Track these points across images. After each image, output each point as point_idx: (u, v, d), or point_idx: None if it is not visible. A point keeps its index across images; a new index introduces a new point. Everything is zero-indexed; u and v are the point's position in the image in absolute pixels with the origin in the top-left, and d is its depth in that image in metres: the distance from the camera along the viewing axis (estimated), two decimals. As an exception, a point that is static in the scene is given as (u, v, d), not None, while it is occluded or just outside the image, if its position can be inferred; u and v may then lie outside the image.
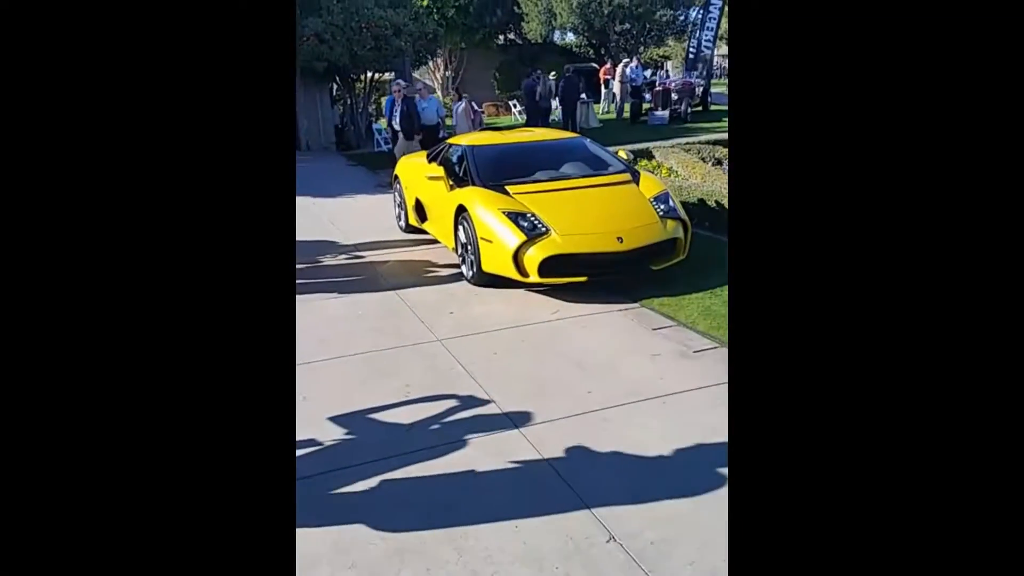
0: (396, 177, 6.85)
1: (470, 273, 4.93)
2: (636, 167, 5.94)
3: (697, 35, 19.24)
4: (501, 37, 26.13)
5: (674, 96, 15.78)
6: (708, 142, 9.50)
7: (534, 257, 4.47)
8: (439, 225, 5.69)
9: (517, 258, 4.51)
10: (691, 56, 19.45)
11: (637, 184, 5.21)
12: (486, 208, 4.76)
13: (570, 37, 27.10)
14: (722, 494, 2.37)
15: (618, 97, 17.11)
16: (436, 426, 3.00)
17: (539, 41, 24.18)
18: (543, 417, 3.00)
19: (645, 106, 16.40)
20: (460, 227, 5.05)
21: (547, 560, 2.11)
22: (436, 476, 2.60)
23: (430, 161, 6.20)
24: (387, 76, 15.43)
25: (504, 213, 4.66)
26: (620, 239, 4.54)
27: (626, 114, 16.34)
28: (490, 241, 4.64)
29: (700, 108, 17.10)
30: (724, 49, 44.40)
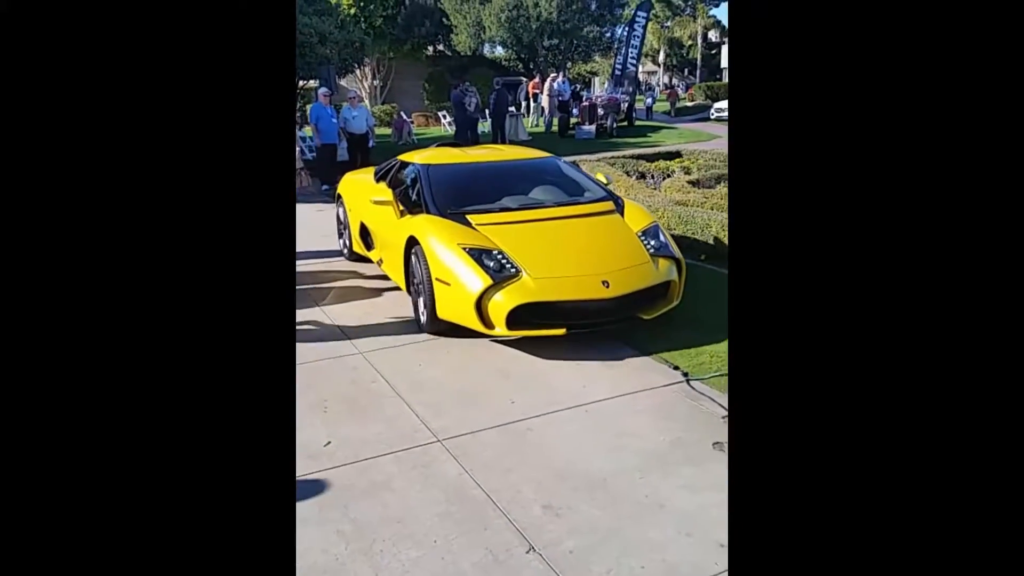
0: (339, 197, 5.98)
1: (423, 319, 4.04)
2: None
3: (623, 52, 19.80)
4: (430, 48, 26.10)
5: (600, 111, 16.15)
6: (632, 156, 9.76)
7: (502, 305, 3.60)
8: (388, 257, 4.75)
9: (480, 306, 3.63)
10: (617, 72, 19.98)
11: (622, 214, 4.39)
12: (443, 242, 3.86)
13: (499, 50, 27.36)
14: (642, 500, 2.40)
15: (546, 111, 17.36)
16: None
17: (468, 53, 24.29)
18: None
19: (572, 120, 16.70)
20: (411, 262, 4.16)
21: (467, 574, 2.07)
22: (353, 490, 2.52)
23: (378, 180, 5.28)
24: (311, 84, 15.14)
25: (465, 250, 3.77)
26: (606, 283, 3.68)
27: (554, 128, 16.60)
28: (447, 283, 3.75)
29: (626, 123, 17.56)
30: (649, 66, 45.71)
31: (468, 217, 4.13)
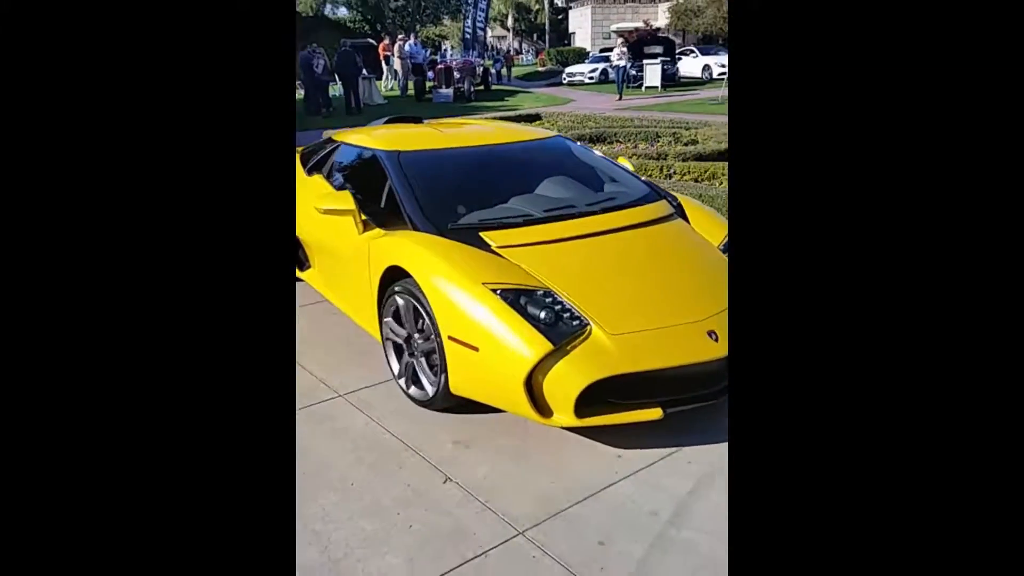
0: None
1: (422, 390, 2.69)
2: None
3: (471, 15, 19.74)
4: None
5: (456, 75, 16.09)
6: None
7: (568, 381, 2.23)
8: (344, 290, 3.35)
9: (532, 383, 2.27)
10: (468, 36, 19.91)
11: (686, 219, 3.07)
12: (458, 281, 2.44)
13: (343, 12, 26.21)
14: (548, 430, 2.57)
15: (400, 74, 17.01)
16: None
17: (310, 14, 23.07)
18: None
19: (428, 84, 16.51)
20: (391, 305, 2.76)
21: (389, 509, 2.14)
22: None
23: (310, 172, 3.84)
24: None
25: (496, 293, 2.37)
26: (713, 335, 2.36)
27: (410, 91, 16.33)
28: (472, 347, 2.37)
29: (483, 87, 17.63)
30: (499, 30, 45.67)
31: (482, 235, 2.68)
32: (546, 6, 39.73)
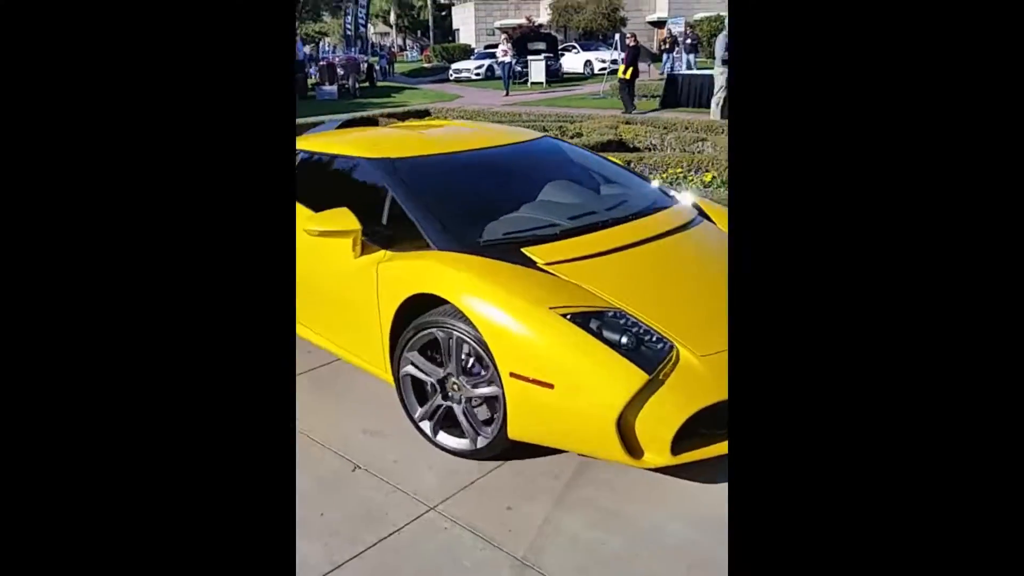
0: None
1: (461, 439, 2.32)
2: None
3: (352, 11, 19.37)
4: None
5: (340, 71, 15.78)
6: (382, 115, 9.82)
7: (667, 414, 1.94)
8: (331, 323, 2.81)
9: (622, 420, 1.94)
10: (349, 33, 19.52)
11: (712, 222, 2.89)
12: (518, 309, 2.08)
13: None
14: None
15: (281, 72, 16.44)
16: None
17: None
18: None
19: (311, 81, 16.08)
20: (423, 339, 2.32)
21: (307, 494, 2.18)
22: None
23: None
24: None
25: (567, 317, 2.04)
26: None
27: (292, 90, 15.83)
28: (547, 384, 2.01)
29: (367, 84, 17.38)
30: (381, 27, 44.91)
31: (524, 251, 2.33)
32: (429, 3, 39.55)
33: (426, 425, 2.41)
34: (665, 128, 7.89)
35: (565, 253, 2.36)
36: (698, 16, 25.01)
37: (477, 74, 23.14)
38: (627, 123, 8.47)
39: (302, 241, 2.50)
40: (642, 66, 13.88)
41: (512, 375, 2.06)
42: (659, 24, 27.11)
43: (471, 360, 2.25)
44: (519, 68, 19.80)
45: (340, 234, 2.50)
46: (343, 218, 2.50)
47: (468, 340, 2.17)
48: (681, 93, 12.84)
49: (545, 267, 2.29)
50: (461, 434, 2.32)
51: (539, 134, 3.50)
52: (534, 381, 2.03)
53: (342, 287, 2.65)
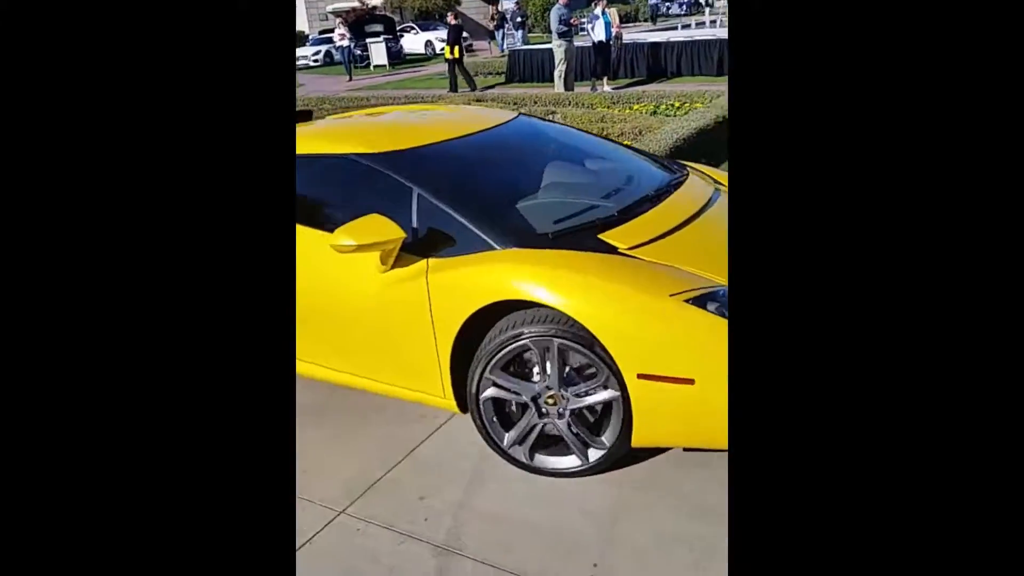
0: None
1: (564, 456, 2.10)
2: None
3: None
4: None
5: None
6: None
7: None
8: (366, 356, 2.37)
9: None
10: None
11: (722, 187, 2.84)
12: (637, 302, 1.89)
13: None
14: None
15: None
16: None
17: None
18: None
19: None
20: (508, 354, 2.05)
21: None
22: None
23: None
24: None
25: (690, 302, 1.88)
26: None
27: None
28: (687, 380, 1.83)
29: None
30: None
31: (601, 238, 2.12)
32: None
33: (518, 451, 2.13)
34: (515, 103, 8.02)
35: (640, 235, 2.15)
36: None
37: (315, 61, 22.18)
38: (478, 100, 8.52)
39: (309, 268, 2.23)
40: (482, 44, 13.94)
41: (641, 376, 1.86)
42: (493, 1, 27.32)
43: (570, 368, 2.03)
44: (359, 52, 19.20)
45: (379, 246, 2.09)
46: (381, 226, 2.10)
47: (575, 346, 1.93)
48: (523, 68, 13.08)
49: (627, 252, 2.08)
50: (563, 451, 2.10)
51: (512, 114, 3.09)
52: (669, 379, 1.83)
53: (367, 308, 2.26)
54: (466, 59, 12.81)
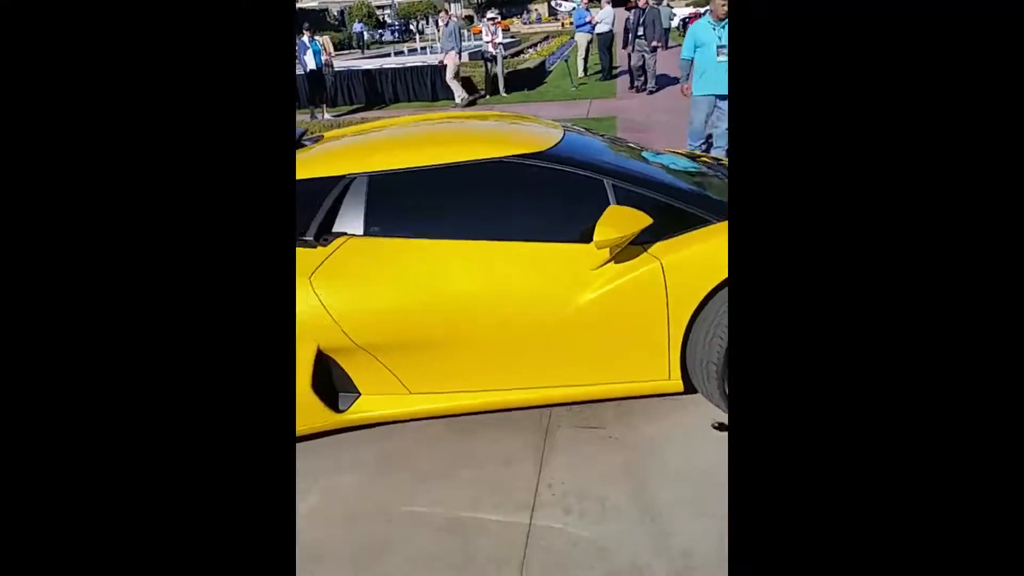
0: None
1: None
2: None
3: None
4: None
5: None
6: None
7: None
8: (594, 356, 2.20)
9: None
10: None
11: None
12: None
13: None
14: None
15: None
16: None
17: None
18: None
19: None
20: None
21: None
22: None
23: (322, 236, 2.25)
24: None
25: None
26: None
27: None
28: None
29: None
30: None
31: None
32: None
33: None
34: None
35: None
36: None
37: None
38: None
39: (442, 286, 2.11)
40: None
41: None
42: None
43: None
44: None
45: (632, 236, 2.04)
46: (629, 216, 2.05)
47: None
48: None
49: None
50: None
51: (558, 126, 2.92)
52: None
53: (575, 309, 2.11)
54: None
